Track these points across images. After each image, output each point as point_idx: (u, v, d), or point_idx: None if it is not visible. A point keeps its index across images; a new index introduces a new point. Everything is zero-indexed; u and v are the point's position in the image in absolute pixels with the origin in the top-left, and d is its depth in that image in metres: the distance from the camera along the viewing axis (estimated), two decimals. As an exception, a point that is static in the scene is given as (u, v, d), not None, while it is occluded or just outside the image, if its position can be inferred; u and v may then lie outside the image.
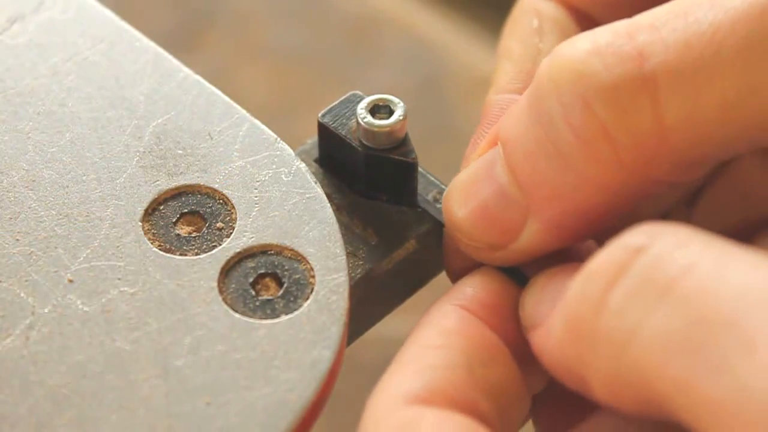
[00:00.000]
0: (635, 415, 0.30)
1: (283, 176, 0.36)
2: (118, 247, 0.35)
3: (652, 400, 0.28)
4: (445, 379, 0.32)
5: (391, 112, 0.36)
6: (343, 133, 0.37)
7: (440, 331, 0.33)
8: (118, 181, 0.36)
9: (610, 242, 0.30)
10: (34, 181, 0.36)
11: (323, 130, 0.37)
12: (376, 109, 0.37)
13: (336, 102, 0.38)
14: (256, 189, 0.36)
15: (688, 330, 0.28)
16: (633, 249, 0.29)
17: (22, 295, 0.34)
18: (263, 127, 0.37)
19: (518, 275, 0.35)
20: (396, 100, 0.37)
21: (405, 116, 0.36)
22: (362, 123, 0.36)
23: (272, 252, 0.35)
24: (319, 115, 0.37)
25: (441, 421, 0.31)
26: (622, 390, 0.29)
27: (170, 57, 0.39)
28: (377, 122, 0.36)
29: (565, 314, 0.30)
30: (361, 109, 0.36)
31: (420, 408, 0.31)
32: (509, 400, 0.33)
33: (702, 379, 0.27)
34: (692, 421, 0.27)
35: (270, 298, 0.34)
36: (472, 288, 0.35)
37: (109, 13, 0.40)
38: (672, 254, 0.29)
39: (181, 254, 0.35)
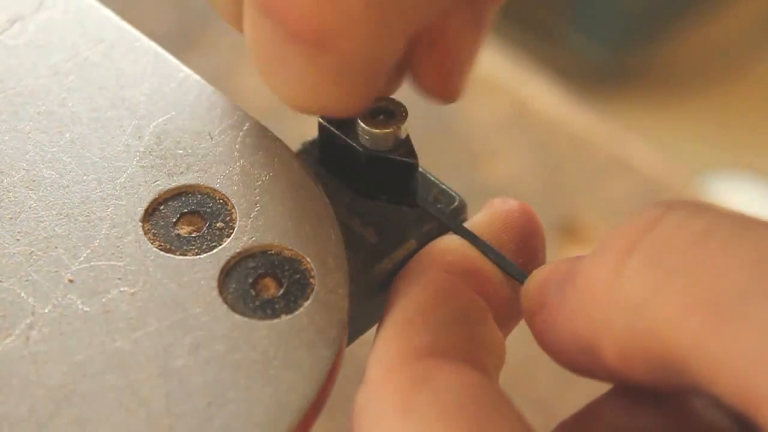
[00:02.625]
0: (647, 383, 0.30)
1: (283, 176, 0.36)
2: (118, 247, 0.35)
3: (666, 363, 0.28)
4: (450, 335, 0.32)
5: (391, 114, 0.36)
6: (344, 133, 0.37)
7: (435, 293, 0.34)
8: (118, 181, 0.36)
9: (624, 219, 0.30)
10: (34, 181, 0.36)
11: (323, 131, 0.37)
12: (376, 112, 0.37)
13: None
14: (256, 189, 0.36)
15: (706, 288, 0.28)
16: (650, 219, 0.30)
17: (22, 294, 0.34)
18: (263, 127, 0.37)
19: (509, 266, 0.35)
20: (396, 101, 0.37)
21: (405, 118, 0.36)
22: (362, 126, 0.36)
23: (272, 252, 0.35)
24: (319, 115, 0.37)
25: (456, 373, 0.31)
26: (635, 355, 0.29)
27: (171, 57, 0.39)
28: (377, 125, 0.36)
29: (577, 284, 0.30)
30: None
31: (433, 361, 0.31)
32: (498, 360, 0.34)
33: (720, 332, 0.27)
34: (706, 378, 0.28)
35: (270, 298, 0.34)
36: (451, 255, 0.35)
37: (109, 14, 0.40)
38: (690, 221, 0.29)
39: (181, 254, 0.35)
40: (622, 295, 0.29)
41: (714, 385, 0.27)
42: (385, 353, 0.32)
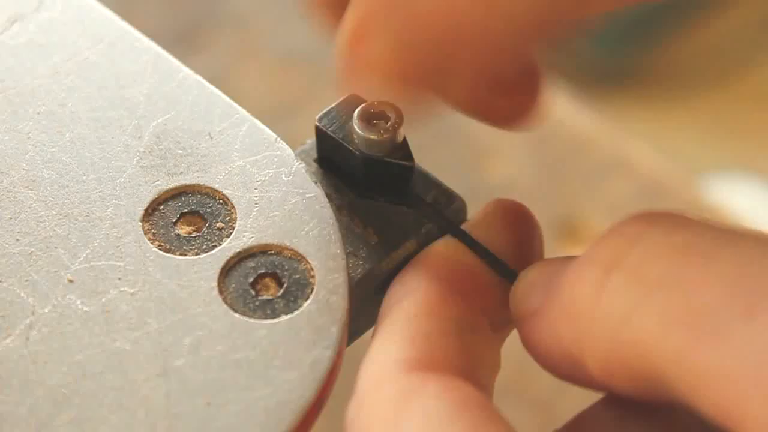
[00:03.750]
0: (629, 394, 0.30)
1: (283, 176, 0.36)
2: (118, 246, 0.35)
3: (648, 376, 0.29)
4: (440, 347, 0.32)
5: (386, 119, 0.36)
6: (340, 136, 0.37)
7: (426, 301, 0.34)
8: (118, 181, 0.36)
9: (608, 230, 0.30)
10: (34, 180, 0.36)
11: (320, 134, 0.37)
12: (371, 117, 0.36)
13: (333, 104, 0.37)
14: (256, 189, 0.36)
15: (686, 303, 0.28)
16: (631, 234, 0.30)
17: (22, 295, 0.34)
18: (263, 127, 0.37)
19: (504, 269, 0.35)
20: (393, 105, 0.37)
21: (401, 123, 0.36)
22: (358, 132, 0.36)
23: (272, 252, 0.35)
24: (316, 118, 0.37)
25: (445, 386, 0.31)
26: (617, 368, 0.29)
27: (170, 57, 0.39)
28: (373, 130, 0.36)
29: (562, 296, 0.31)
30: (356, 118, 0.36)
31: (422, 374, 0.31)
32: (491, 368, 0.34)
33: (700, 347, 0.27)
34: (688, 392, 0.28)
35: (270, 298, 0.34)
36: (447, 261, 0.35)
37: (109, 13, 0.40)
38: (670, 236, 0.29)
39: (181, 254, 0.35)
40: (604, 310, 0.29)
41: (695, 400, 0.28)
42: (375, 365, 0.32)
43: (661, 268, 0.29)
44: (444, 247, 0.36)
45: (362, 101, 0.37)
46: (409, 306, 0.34)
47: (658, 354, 0.28)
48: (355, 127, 0.36)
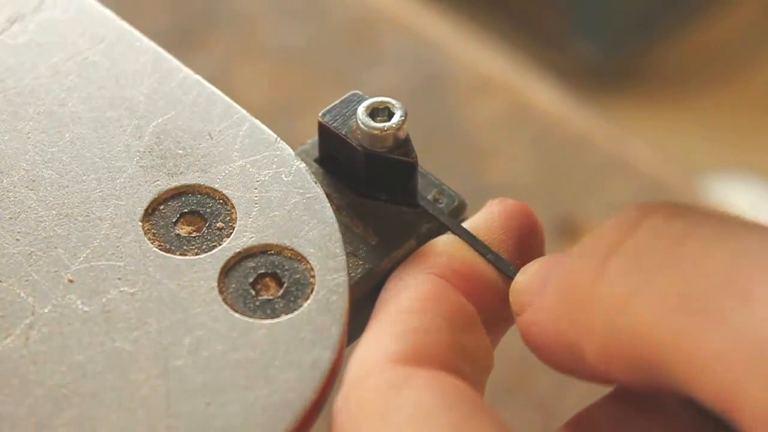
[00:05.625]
0: (627, 383, 0.30)
1: (283, 176, 0.36)
2: (118, 247, 0.35)
3: (646, 363, 0.29)
4: (429, 342, 0.32)
5: (390, 115, 0.37)
6: (343, 132, 0.37)
7: (419, 297, 0.34)
8: (118, 181, 0.36)
9: (607, 220, 0.30)
10: (34, 180, 0.36)
11: (323, 130, 0.37)
12: (375, 112, 0.37)
13: (336, 101, 0.38)
14: (256, 189, 0.36)
15: (685, 288, 0.28)
16: (632, 220, 0.30)
17: (22, 294, 0.34)
18: (263, 127, 0.37)
19: (505, 266, 0.35)
20: (396, 102, 0.37)
21: (405, 119, 0.36)
22: (362, 127, 0.36)
23: (272, 252, 0.35)
24: (320, 114, 0.37)
25: (432, 380, 0.31)
26: (615, 353, 0.29)
27: (170, 57, 0.39)
28: (377, 125, 0.36)
29: (561, 282, 0.31)
30: (361, 113, 0.36)
31: (410, 368, 0.31)
32: (483, 367, 0.34)
33: (698, 331, 0.27)
34: (685, 378, 0.28)
35: (270, 298, 0.34)
36: (446, 257, 0.35)
37: (109, 13, 0.40)
38: (670, 223, 0.29)
39: (181, 254, 0.35)
40: (603, 296, 0.29)
41: (692, 386, 0.28)
42: (365, 357, 0.32)
43: (659, 254, 0.29)
44: (444, 243, 0.36)
45: (365, 98, 0.37)
46: (404, 301, 0.34)
47: (656, 340, 0.28)
48: (359, 122, 0.36)
